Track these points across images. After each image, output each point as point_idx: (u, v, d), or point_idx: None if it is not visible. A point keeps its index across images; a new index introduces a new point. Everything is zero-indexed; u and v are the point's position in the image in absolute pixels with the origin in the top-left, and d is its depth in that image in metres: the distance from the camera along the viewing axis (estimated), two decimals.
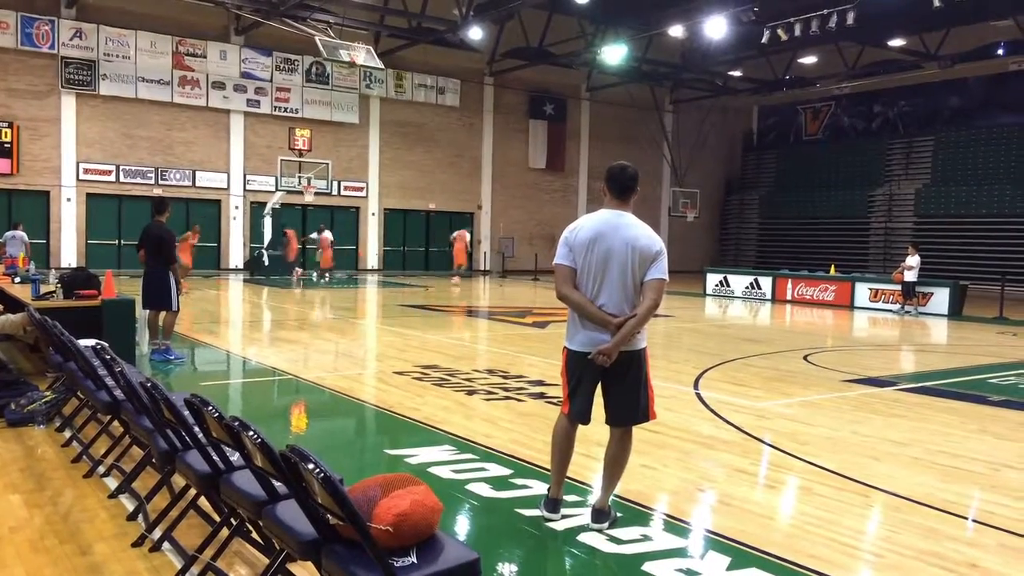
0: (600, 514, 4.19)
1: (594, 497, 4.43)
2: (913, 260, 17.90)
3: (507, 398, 7.49)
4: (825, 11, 21.39)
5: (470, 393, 7.70)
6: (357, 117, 29.36)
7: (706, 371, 9.37)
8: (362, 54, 23.18)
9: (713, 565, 3.75)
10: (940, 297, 18.26)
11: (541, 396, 7.60)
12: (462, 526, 4.26)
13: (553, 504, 4.26)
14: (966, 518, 4.59)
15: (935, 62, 29.10)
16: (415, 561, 2.54)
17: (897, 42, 28.63)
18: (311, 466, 2.48)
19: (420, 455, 5.45)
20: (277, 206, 25.86)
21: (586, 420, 4.19)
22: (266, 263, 24.90)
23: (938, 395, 8.34)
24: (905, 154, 32.93)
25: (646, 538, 4.06)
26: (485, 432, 6.15)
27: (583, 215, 4.32)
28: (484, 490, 4.73)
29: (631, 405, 4.15)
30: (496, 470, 5.14)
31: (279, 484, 2.98)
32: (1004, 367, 10.54)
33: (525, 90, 33.10)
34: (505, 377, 8.59)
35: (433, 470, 5.10)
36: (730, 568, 3.72)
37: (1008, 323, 16.41)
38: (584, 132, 35.21)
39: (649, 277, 4.03)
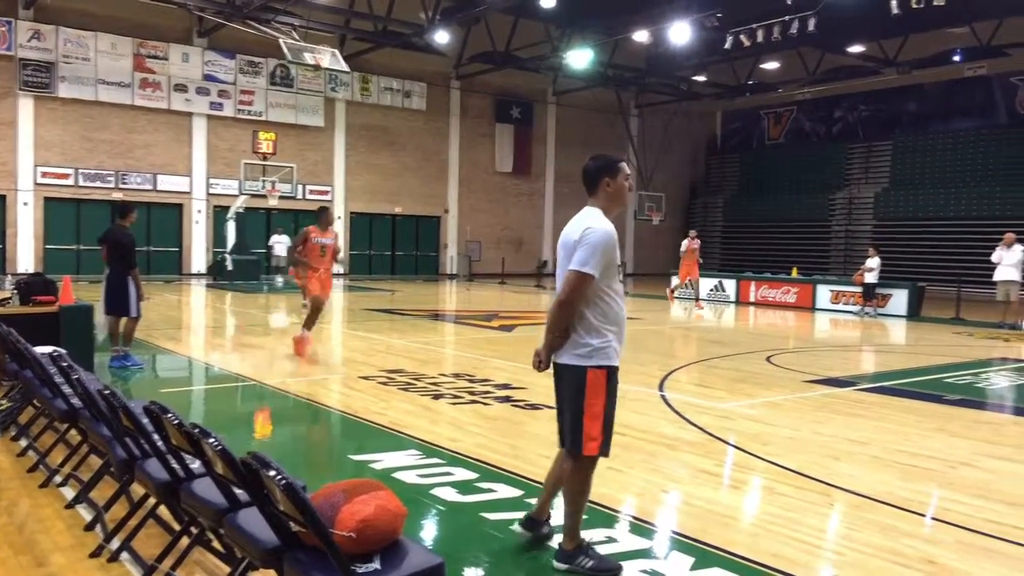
0: (532, 522, 4.02)
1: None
2: (873, 262, 18.23)
3: (473, 402, 7.48)
4: (787, 17, 21.71)
5: (436, 397, 7.68)
6: (322, 120, 29.18)
7: (671, 373, 9.45)
8: (327, 57, 23.04)
9: (677, 565, 3.78)
10: (899, 299, 18.61)
11: (507, 400, 7.60)
12: (427, 531, 4.24)
13: (525, 520, 4.02)
14: (924, 515, 4.68)
15: (894, 68, 29.68)
16: (379, 567, 2.53)
17: (857, 48, 29.16)
18: (272, 473, 2.46)
19: (385, 460, 5.42)
20: (241, 210, 25.58)
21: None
22: (229, 268, 24.60)
23: (897, 395, 8.50)
24: (865, 158, 33.55)
25: (611, 540, 4.08)
26: (451, 436, 6.14)
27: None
28: (450, 494, 4.72)
29: (563, 423, 3.75)
30: (462, 474, 5.13)
31: (240, 492, 2.94)
32: (960, 367, 10.77)
33: (491, 94, 33.15)
34: (471, 381, 8.58)
35: (398, 475, 5.07)
36: (694, 568, 3.75)
37: (964, 324, 16.77)
38: (551, 136, 35.36)
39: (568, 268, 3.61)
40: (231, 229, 25.38)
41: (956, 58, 29.28)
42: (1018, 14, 23.59)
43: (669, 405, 7.60)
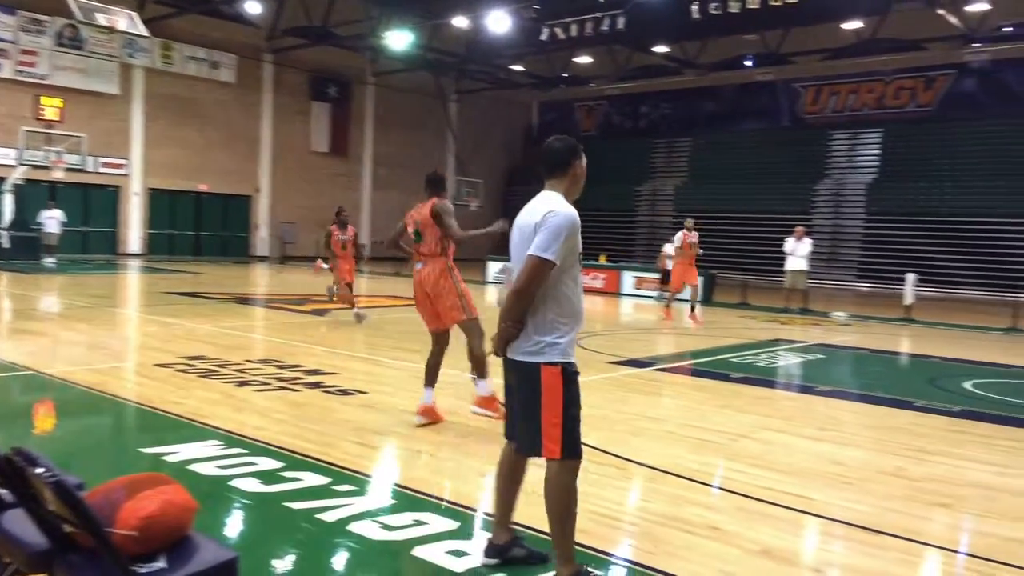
0: (491, 548, 3.69)
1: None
2: (671, 249, 19.44)
3: (281, 388, 7.22)
4: (599, 14, 22.61)
5: (241, 384, 7.34)
6: (118, 87, 26.93)
7: None
8: (123, 20, 21.28)
9: (482, 544, 3.83)
10: None
11: (317, 385, 7.41)
12: (225, 525, 4.04)
13: (489, 548, 3.70)
14: (710, 485, 5.05)
15: (694, 70, 31.78)
16: (164, 566, 2.37)
17: (661, 49, 30.93)
18: (40, 470, 2.24)
19: (181, 452, 5.11)
20: (20, 182, 23.07)
21: (510, 435, 3.66)
22: (5, 245, 22.17)
23: (690, 374, 9.14)
24: (667, 153, 35.76)
25: (419, 523, 4.08)
26: (256, 425, 5.89)
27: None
28: (252, 485, 4.53)
29: (522, 425, 3.48)
30: (266, 464, 4.93)
31: (5, 491, 2.66)
32: (745, 347, 11.76)
33: (307, 70, 32.04)
34: (280, 367, 8.28)
35: (195, 467, 4.80)
36: None
37: (749, 308, 18.32)
38: (369, 117, 34.74)
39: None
40: (7, 203, 22.75)
41: (748, 63, 31.88)
42: (802, 24, 25.96)
43: None
